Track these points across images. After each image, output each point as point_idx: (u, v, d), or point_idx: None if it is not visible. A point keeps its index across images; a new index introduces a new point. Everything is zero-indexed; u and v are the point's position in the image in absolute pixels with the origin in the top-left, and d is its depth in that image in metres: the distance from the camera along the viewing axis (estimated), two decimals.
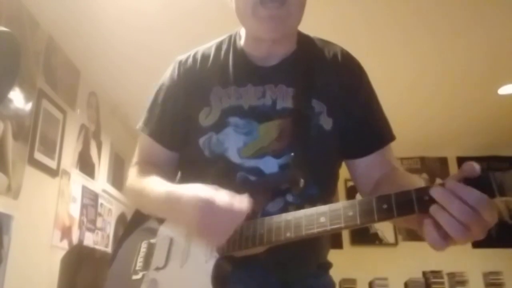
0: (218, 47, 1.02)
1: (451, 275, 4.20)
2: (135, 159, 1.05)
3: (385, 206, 0.64)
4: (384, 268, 4.17)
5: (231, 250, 0.78)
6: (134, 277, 0.90)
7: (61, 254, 2.47)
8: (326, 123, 0.91)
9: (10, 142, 2.06)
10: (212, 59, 0.99)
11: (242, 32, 1.00)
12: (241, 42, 0.99)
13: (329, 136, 0.91)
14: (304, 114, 0.90)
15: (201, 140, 0.92)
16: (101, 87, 3.19)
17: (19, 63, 1.74)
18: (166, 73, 1.06)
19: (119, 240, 1.04)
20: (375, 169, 0.90)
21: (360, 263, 4.20)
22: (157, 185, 0.89)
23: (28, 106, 2.24)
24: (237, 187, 0.79)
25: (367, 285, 4.17)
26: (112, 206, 3.50)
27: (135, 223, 1.03)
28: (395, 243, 4.48)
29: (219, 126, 0.91)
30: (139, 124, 1.05)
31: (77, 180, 2.81)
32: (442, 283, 4.18)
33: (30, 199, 2.21)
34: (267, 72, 0.94)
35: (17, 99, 2.14)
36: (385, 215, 0.64)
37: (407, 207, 0.63)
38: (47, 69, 2.47)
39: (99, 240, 3.15)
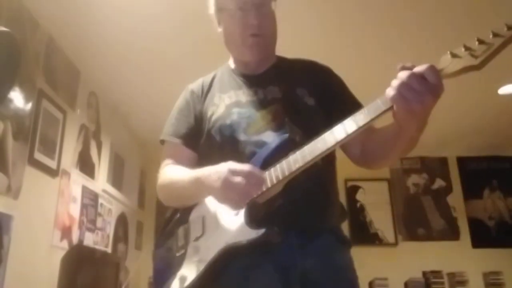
0: (217, 73, 1.29)
1: (451, 275, 4.20)
2: (162, 165, 1.22)
3: (362, 116, 0.88)
4: (384, 268, 4.17)
5: (255, 197, 0.95)
6: (178, 254, 1.08)
7: (61, 254, 2.47)
8: (310, 101, 1.14)
9: (10, 142, 2.06)
10: (211, 80, 1.26)
11: (230, 62, 1.30)
12: (232, 66, 1.28)
13: (314, 108, 1.13)
14: (291, 98, 1.14)
15: (213, 130, 1.13)
16: (101, 87, 3.19)
17: (19, 63, 1.74)
18: (179, 98, 1.30)
19: (159, 235, 1.20)
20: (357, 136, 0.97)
21: (360, 263, 4.16)
22: (187, 173, 1.08)
23: (28, 106, 2.24)
24: (248, 160, 1.00)
25: (367, 285, 4.17)
26: (112, 206, 3.50)
27: (169, 220, 1.19)
28: (395, 243, 4.48)
29: (225, 115, 1.13)
30: (161, 137, 1.25)
31: (77, 180, 2.81)
32: (442, 283, 4.18)
33: (30, 199, 2.21)
34: (257, 78, 1.20)
35: (17, 99, 2.14)
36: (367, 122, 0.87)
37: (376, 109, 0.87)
38: (47, 69, 2.47)
39: (99, 240, 3.15)
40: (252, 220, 0.95)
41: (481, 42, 0.79)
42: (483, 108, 3.70)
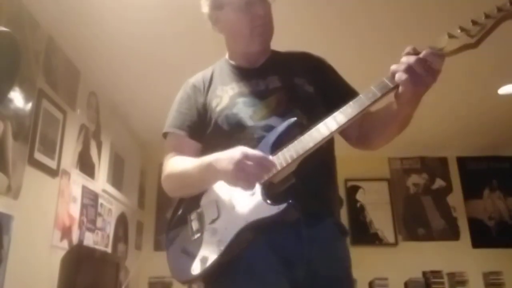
0: (214, 68, 1.32)
1: (451, 275, 4.20)
2: (167, 157, 1.23)
3: (370, 94, 0.96)
4: (384, 268, 4.18)
5: (270, 176, 0.99)
6: (194, 237, 1.08)
7: (61, 254, 2.47)
8: (309, 89, 1.20)
9: (10, 142, 2.06)
10: (211, 74, 1.29)
11: (227, 57, 1.33)
12: (230, 61, 1.31)
13: (314, 94, 1.19)
14: (291, 87, 1.19)
15: (219, 119, 1.16)
16: (101, 87, 3.19)
17: (19, 63, 1.74)
18: (180, 92, 1.31)
19: (168, 226, 1.19)
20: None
21: (360, 263, 4.17)
22: (195, 160, 1.11)
23: (28, 106, 2.24)
24: (257, 144, 1.05)
25: (367, 285, 4.17)
26: (112, 206, 3.50)
27: (177, 210, 1.20)
28: (395, 243, 4.48)
29: (231, 105, 1.17)
30: (164, 130, 1.26)
31: (77, 180, 2.81)
32: (442, 283, 4.18)
33: (30, 199, 2.21)
34: (256, 71, 1.25)
35: (17, 99, 2.14)
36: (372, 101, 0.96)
37: (384, 86, 0.97)
38: (47, 69, 2.47)
39: (99, 240, 3.15)
40: (270, 198, 0.99)
41: (475, 23, 0.88)
42: (483, 108, 3.70)
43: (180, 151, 1.20)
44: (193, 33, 2.51)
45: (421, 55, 0.91)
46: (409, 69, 0.91)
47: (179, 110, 1.25)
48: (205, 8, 1.27)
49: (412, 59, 0.91)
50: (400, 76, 0.92)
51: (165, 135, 1.26)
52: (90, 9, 2.34)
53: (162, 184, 1.22)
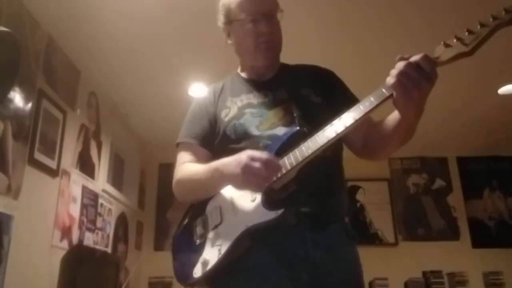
0: (225, 81, 1.37)
1: (451, 275, 4.20)
2: (178, 163, 1.28)
3: (367, 103, 0.97)
4: (384, 268, 4.17)
5: (272, 181, 1.01)
6: (198, 242, 1.13)
7: (61, 254, 2.47)
8: (317, 99, 1.22)
9: (10, 142, 2.06)
10: (221, 87, 1.34)
11: (238, 70, 1.39)
12: (241, 74, 1.37)
13: (321, 105, 1.21)
14: (298, 97, 1.21)
15: (228, 129, 1.20)
16: (101, 87, 3.19)
17: (19, 63, 1.73)
18: (192, 105, 1.38)
19: (176, 228, 1.23)
20: (359, 127, 1.07)
21: None
22: (204, 166, 1.16)
23: (28, 106, 2.24)
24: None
25: (367, 285, 4.17)
26: (112, 206, 3.50)
27: (186, 216, 1.24)
28: (395, 243, 4.48)
29: (239, 115, 1.21)
30: (177, 140, 1.31)
31: (77, 180, 2.81)
32: (442, 283, 4.18)
33: (30, 199, 2.21)
34: (265, 84, 1.29)
35: (17, 99, 2.14)
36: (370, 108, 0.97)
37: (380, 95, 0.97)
38: (47, 69, 2.47)
39: (99, 240, 3.15)
40: (270, 204, 1.02)
41: (470, 32, 0.89)
42: (483, 108, 3.70)
43: (192, 159, 1.25)
44: (194, 35, 2.51)
45: (411, 59, 0.92)
46: (399, 74, 0.91)
47: (191, 121, 1.31)
48: (220, 22, 1.33)
49: (402, 63, 0.92)
50: (389, 80, 0.93)
51: (177, 145, 1.31)
52: (90, 9, 2.34)
53: (173, 190, 1.25)
